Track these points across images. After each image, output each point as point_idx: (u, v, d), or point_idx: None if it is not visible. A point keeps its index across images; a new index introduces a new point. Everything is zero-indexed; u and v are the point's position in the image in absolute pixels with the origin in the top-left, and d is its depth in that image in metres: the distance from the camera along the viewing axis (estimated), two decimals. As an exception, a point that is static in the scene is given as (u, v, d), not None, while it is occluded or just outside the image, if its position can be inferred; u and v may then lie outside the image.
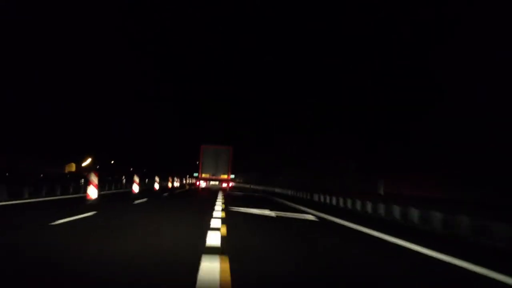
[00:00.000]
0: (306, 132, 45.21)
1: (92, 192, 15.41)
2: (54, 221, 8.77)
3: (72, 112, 41.24)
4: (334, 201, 21.52)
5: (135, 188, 23.82)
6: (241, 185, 64.32)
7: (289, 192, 35.11)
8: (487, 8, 21.95)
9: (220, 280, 4.38)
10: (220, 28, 57.42)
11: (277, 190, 41.33)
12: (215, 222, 9.78)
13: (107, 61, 44.87)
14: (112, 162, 71.56)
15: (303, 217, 13.70)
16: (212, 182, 33.02)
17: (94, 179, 15.55)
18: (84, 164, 50.89)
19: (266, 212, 14.80)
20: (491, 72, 21.40)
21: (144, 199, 18.38)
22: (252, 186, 59.29)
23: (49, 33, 35.27)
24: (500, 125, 20.33)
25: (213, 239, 7.23)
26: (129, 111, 58.78)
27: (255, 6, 46.85)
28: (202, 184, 33.51)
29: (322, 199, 24.03)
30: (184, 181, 71.87)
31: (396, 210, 13.69)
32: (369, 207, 16.27)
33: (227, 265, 5.08)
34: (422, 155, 25.68)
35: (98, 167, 71.47)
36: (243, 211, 14.69)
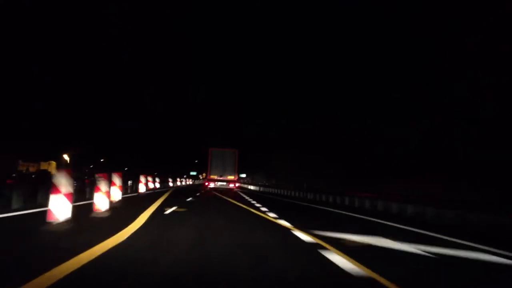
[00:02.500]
0: (307, 132, 45.30)
1: None
2: None
3: (70, 112, 41.31)
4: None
5: (115, 194, 12.24)
6: (268, 189, 41.25)
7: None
8: (487, 8, 21.98)
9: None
10: (220, 28, 57.67)
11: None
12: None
13: (107, 61, 44.99)
14: (102, 160, 70.51)
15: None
16: (219, 183, 34.74)
17: None
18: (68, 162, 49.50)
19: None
20: (491, 72, 21.42)
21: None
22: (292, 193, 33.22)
23: (49, 33, 35.34)
24: (500, 125, 20.34)
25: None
26: (129, 111, 58.95)
27: (255, 6, 47.01)
28: (211, 184, 35.19)
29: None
30: (173, 183, 45.26)
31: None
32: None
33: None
34: (422, 155, 25.70)
35: (91, 166, 70.40)
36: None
